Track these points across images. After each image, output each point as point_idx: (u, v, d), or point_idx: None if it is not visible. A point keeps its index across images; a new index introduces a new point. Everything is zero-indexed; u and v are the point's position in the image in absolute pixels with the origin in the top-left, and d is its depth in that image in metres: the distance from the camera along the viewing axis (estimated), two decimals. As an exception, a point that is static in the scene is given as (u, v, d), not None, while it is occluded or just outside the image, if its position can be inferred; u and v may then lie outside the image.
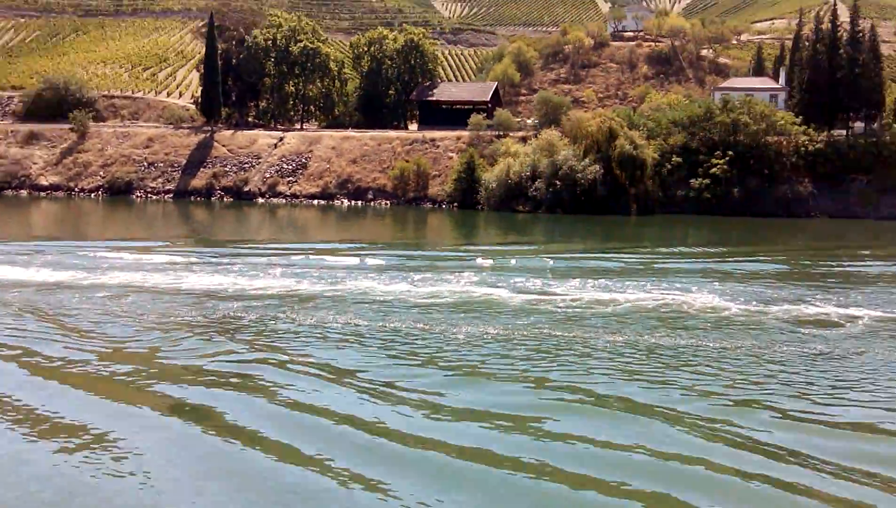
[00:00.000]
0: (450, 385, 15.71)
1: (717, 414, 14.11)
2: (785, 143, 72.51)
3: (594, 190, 66.06)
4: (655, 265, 36.37)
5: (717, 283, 29.22)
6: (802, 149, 71.93)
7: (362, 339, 19.54)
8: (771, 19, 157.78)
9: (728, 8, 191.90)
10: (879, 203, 69.64)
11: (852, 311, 23.86)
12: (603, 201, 66.20)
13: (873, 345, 19.63)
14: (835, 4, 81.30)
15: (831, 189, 70.73)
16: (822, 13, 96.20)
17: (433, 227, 62.84)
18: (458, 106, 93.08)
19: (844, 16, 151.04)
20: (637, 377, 16.56)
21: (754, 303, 24.82)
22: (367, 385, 15.63)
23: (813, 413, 14.46)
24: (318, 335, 19.95)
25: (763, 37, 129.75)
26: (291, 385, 15.63)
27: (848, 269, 36.69)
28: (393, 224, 64.21)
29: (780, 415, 14.21)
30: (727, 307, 24.20)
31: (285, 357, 17.79)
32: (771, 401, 15.02)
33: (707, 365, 17.52)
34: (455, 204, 73.65)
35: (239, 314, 22.27)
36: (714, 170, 68.26)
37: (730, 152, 69.40)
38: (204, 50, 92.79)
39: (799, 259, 41.00)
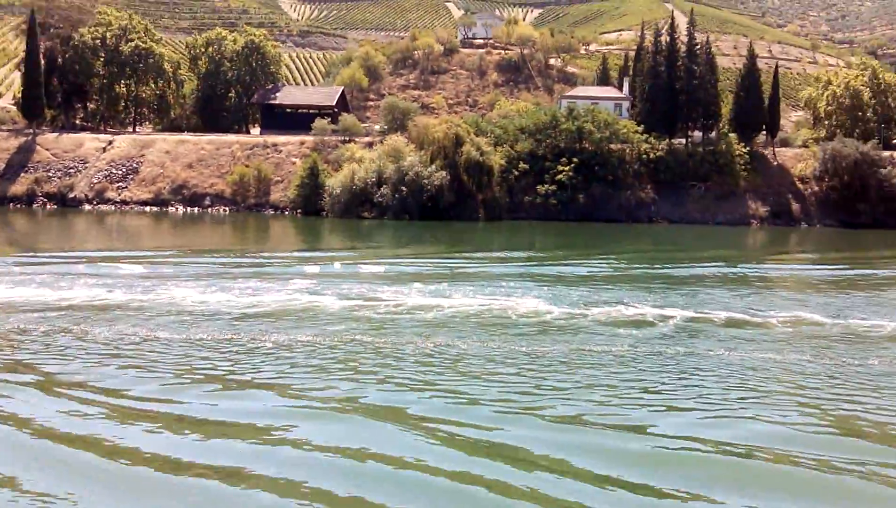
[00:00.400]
0: (214, 397, 15.10)
1: (486, 421, 13.86)
2: (628, 150, 76.91)
3: (441, 196, 67.26)
4: (490, 270, 37.30)
5: (546, 287, 30.34)
6: (644, 156, 76.63)
7: (131, 352, 18.56)
8: (619, 31, 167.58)
9: (578, 19, 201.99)
10: (717, 209, 75.26)
11: (667, 311, 25.41)
12: (450, 208, 67.54)
13: (677, 344, 20.89)
14: (673, 18, 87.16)
15: (672, 196, 75.73)
16: (660, 26, 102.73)
17: (273, 234, 61.61)
18: (302, 110, 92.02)
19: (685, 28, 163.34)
20: (423, 384, 16.31)
21: (578, 306, 25.88)
22: (97, 399, 14.75)
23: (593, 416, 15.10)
24: (92, 350, 18.65)
25: (611, 47, 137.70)
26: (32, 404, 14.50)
27: (673, 271, 39.23)
28: (231, 231, 62.36)
29: (554, 420, 14.45)
30: (550, 311, 25.07)
31: (36, 377, 16.42)
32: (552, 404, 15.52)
33: (501, 370, 17.67)
34: (298, 210, 72.74)
35: (29, 327, 20.83)
36: (560, 176, 71.37)
37: (575, 159, 72.84)
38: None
39: (631, 263, 43.36)
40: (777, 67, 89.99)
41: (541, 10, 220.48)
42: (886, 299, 30.87)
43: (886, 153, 79.95)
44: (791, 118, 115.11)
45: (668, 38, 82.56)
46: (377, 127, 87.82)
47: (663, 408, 15.24)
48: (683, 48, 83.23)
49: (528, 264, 41.44)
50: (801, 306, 27.80)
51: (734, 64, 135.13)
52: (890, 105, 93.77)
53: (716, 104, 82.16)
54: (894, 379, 17.82)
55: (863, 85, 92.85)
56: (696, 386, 16.79)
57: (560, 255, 46.74)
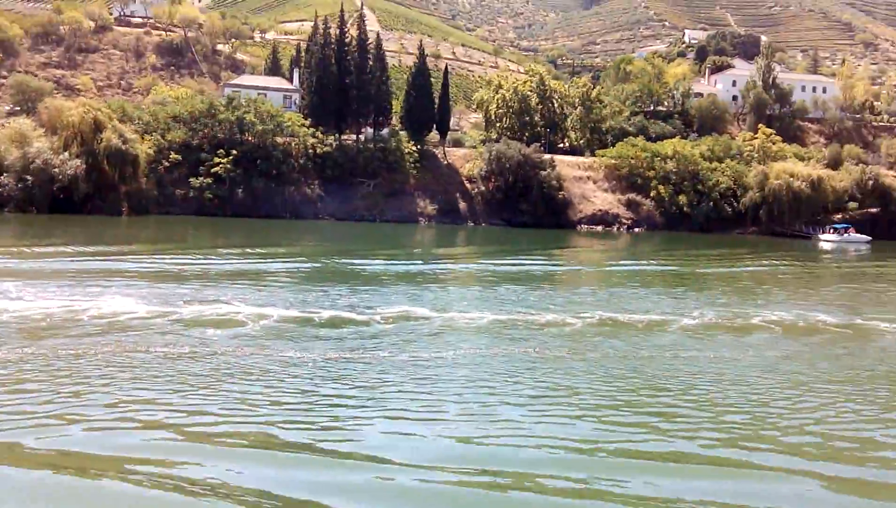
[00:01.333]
0: None
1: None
2: (294, 144, 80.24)
3: (76, 187, 65.13)
4: (114, 267, 37.92)
5: (143, 284, 32.07)
6: (311, 151, 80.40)
7: None
8: (302, 20, 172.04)
9: (261, 5, 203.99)
10: (385, 206, 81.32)
11: (265, 310, 28.38)
12: (88, 201, 65.68)
13: (268, 343, 23.86)
14: (342, 11, 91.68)
15: (340, 192, 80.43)
16: (345, 18, 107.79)
17: None
18: None
19: (374, 26, 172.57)
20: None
21: (166, 305, 27.92)
22: None
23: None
24: None
25: (290, 37, 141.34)
26: None
27: (345, 268, 42.83)
28: None
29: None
30: (134, 311, 26.67)
31: None
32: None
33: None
34: None
35: None
36: (217, 169, 72.56)
37: (234, 152, 74.43)
38: None
39: (295, 258, 46.32)
40: (447, 67, 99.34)
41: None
42: (546, 295, 37.58)
43: (549, 156, 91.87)
44: (471, 119, 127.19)
45: (337, 31, 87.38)
46: (6, 108, 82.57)
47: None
48: (355, 42, 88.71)
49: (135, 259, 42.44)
50: (475, 301, 32.97)
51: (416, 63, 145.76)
52: (556, 110, 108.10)
53: (387, 101, 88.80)
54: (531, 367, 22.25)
55: (531, 91, 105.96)
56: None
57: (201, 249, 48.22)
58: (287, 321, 26.98)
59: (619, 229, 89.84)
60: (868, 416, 19.68)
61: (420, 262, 49.40)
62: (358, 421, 16.79)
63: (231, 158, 73.80)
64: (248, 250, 48.82)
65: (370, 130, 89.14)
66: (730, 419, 18.84)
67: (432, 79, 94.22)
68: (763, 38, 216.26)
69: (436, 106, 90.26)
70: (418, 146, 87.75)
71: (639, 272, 53.05)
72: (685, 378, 22.74)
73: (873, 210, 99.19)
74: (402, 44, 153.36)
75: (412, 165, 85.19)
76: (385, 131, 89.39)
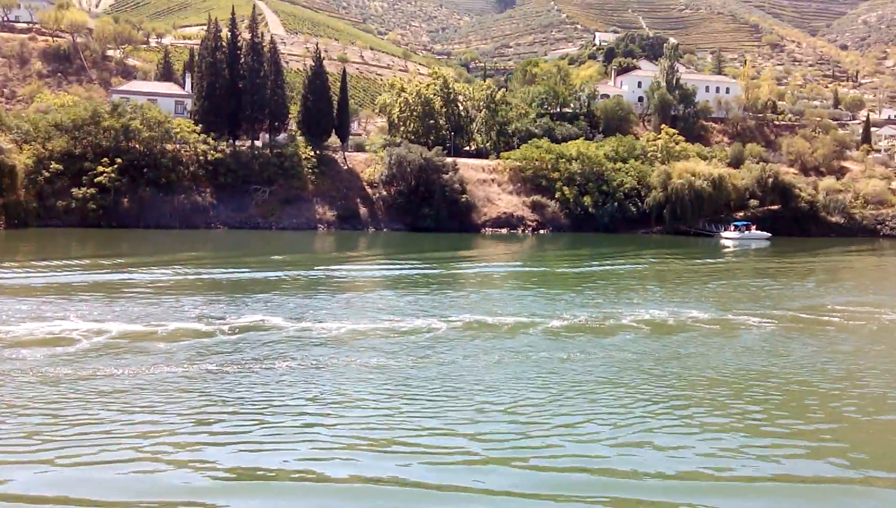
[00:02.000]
0: None
1: None
2: (184, 151, 78.83)
3: (-56, 202, 62.72)
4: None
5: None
6: (202, 158, 79.10)
7: None
8: (203, 25, 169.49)
9: (161, 10, 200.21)
10: (281, 214, 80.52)
11: (102, 325, 27.91)
12: (-42, 215, 63.24)
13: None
14: (233, 13, 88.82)
15: (233, 200, 79.30)
16: (243, 21, 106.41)
17: None
18: None
19: (277, 29, 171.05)
20: None
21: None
22: None
23: None
24: None
25: (188, 41, 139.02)
26: None
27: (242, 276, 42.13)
28: None
29: None
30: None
31: None
32: None
33: None
34: None
35: None
36: (100, 179, 70.72)
37: (119, 160, 72.70)
38: None
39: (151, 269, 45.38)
40: (345, 71, 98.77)
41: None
42: (420, 300, 37.90)
43: (451, 159, 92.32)
44: (378, 123, 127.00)
45: (228, 34, 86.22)
46: None
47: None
48: (247, 46, 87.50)
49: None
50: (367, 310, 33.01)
51: (327, 68, 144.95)
52: (461, 113, 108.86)
53: (284, 105, 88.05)
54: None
55: (434, 94, 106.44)
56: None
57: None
58: (125, 337, 26.69)
59: (524, 231, 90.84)
60: (677, 421, 20.36)
61: (289, 270, 48.90)
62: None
63: (116, 166, 72.04)
64: (103, 262, 47.87)
65: (267, 136, 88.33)
66: (535, 419, 19.55)
67: (338, 82, 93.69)
68: (671, 39, 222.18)
69: (335, 110, 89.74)
70: (317, 152, 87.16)
71: (525, 273, 53.83)
72: (518, 381, 23.29)
73: (774, 207, 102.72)
74: (307, 48, 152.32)
75: (310, 170, 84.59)
76: (282, 137, 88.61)
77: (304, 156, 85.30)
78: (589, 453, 17.44)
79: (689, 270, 60.24)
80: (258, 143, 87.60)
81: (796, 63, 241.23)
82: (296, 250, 63.71)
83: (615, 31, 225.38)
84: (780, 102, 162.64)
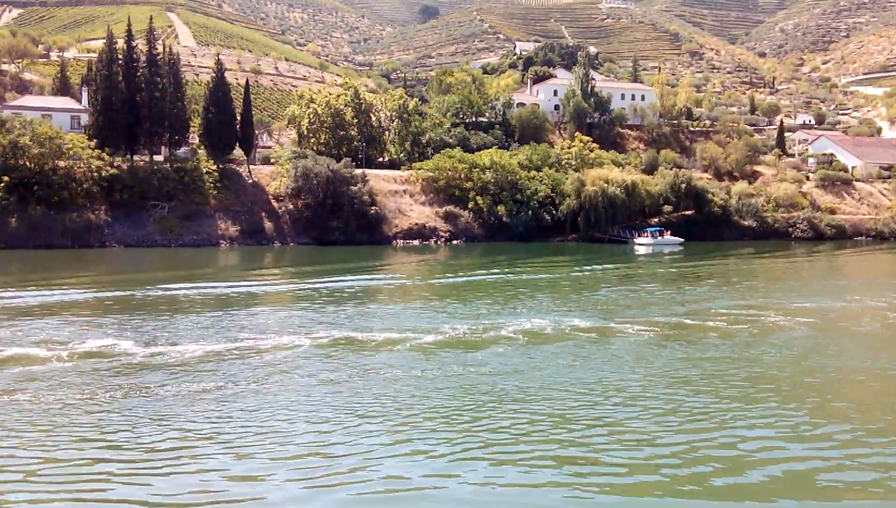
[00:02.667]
0: None
1: None
2: (77, 168, 76.73)
3: None
4: None
5: None
6: (97, 174, 77.06)
7: None
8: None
9: (67, 23, 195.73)
10: (181, 230, 78.92)
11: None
12: None
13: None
14: (129, 25, 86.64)
15: (130, 217, 77.46)
16: (159, 34, 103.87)
17: None
18: None
19: (189, 41, 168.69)
20: None
21: None
22: None
23: None
24: None
25: (91, 55, 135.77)
26: None
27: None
28: None
29: None
30: None
31: None
32: None
33: None
34: None
35: None
36: (-14, 199, 68.46)
37: (7, 178, 70.53)
38: None
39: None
40: (248, 82, 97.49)
41: (21, 11, 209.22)
42: (293, 316, 37.57)
43: (360, 171, 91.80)
44: (291, 135, 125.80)
45: (125, 46, 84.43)
46: None
47: None
48: (145, 58, 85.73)
49: None
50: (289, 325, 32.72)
51: (236, 79, 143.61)
52: (373, 125, 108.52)
53: (184, 119, 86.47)
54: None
55: (345, 104, 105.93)
56: None
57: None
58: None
59: (436, 242, 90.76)
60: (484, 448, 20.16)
61: (182, 288, 47.88)
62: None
63: (3, 185, 69.80)
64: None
65: (168, 150, 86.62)
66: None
67: (252, 95, 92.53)
68: (591, 48, 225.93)
69: (238, 122, 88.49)
70: (220, 165, 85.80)
71: (418, 286, 53.47)
72: (358, 403, 23.04)
73: (688, 212, 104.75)
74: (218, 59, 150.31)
75: (212, 185, 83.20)
76: (183, 151, 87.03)
77: (206, 170, 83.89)
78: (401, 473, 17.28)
79: (590, 277, 60.79)
80: (158, 157, 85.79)
81: (715, 70, 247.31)
82: (192, 267, 62.47)
83: (537, 41, 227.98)
84: (698, 109, 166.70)
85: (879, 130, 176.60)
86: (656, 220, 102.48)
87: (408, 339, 31.65)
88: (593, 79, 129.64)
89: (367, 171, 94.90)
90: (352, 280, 54.07)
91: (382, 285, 53.08)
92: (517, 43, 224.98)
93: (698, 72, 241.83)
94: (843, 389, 25.55)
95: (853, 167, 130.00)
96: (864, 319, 39.84)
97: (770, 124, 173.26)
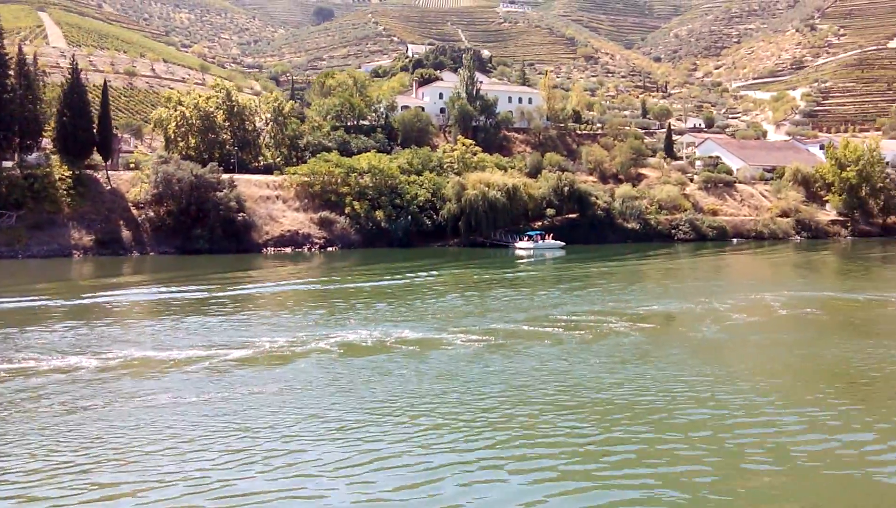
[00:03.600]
0: None
1: None
2: None
3: None
4: None
5: None
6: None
7: None
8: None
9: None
10: (29, 240, 74.91)
11: None
12: None
13: None
14: None
15: (-28, 227, 73.21)
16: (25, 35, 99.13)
17: None
18: None
19: (59, 42, 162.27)
20: None
21: None
22: None
23: None
24: None
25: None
26: None
27: None
28: None
29: None
30: None
31: None
32: None
33: None
34: None
35: None
36: None
37: None
38: None
39: None
40: (106, 84, 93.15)
41: None
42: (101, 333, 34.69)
43: (228, 176, 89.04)
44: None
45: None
46: None
47: None
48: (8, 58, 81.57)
49: None
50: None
51: (108, 81, 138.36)
52: (246, 128, 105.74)
53: (37, 122, 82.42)
54: None
55: (217, 107, 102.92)
56: None
57: None
58: None
59: (310, 249, 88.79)
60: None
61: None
62: None
63: None
64: None
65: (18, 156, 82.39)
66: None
67: (120, 98, 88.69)
68: (485, 52, 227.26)
69: (94, 126, 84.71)
70: (75, 171, 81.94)
71: (268, 295, 51.73)
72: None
73: (573, 215, 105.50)
74: (90, 61, 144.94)
75: (66, 192, 79.38)
76: (34, 156, 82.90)
77: (59, 176, 79.96)
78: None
79: (450, 282, 60.04)
80: (7, 163, 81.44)
81: (610, 75, 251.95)
82: (34, 279, 59.18)
83: (432, 44, 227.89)
84: (590, 113, 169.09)
85: (765, 134, 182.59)
86: (540, 223, 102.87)
87: (207, 358, 30.00)
88: (480, 81, 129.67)
89: (238, 176, 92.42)
90: (195, 291, 51.90)
91: (226, 297, 50.94)
92: (409, 46, 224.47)
93: (593, 76, 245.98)
94: (635, 404, 24.95)
95: (738, 169, 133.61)
96: (705, 322, 39.94)
97: (661, 128, 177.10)
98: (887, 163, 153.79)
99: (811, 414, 23.09)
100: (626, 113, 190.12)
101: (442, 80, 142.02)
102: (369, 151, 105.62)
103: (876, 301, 50.55)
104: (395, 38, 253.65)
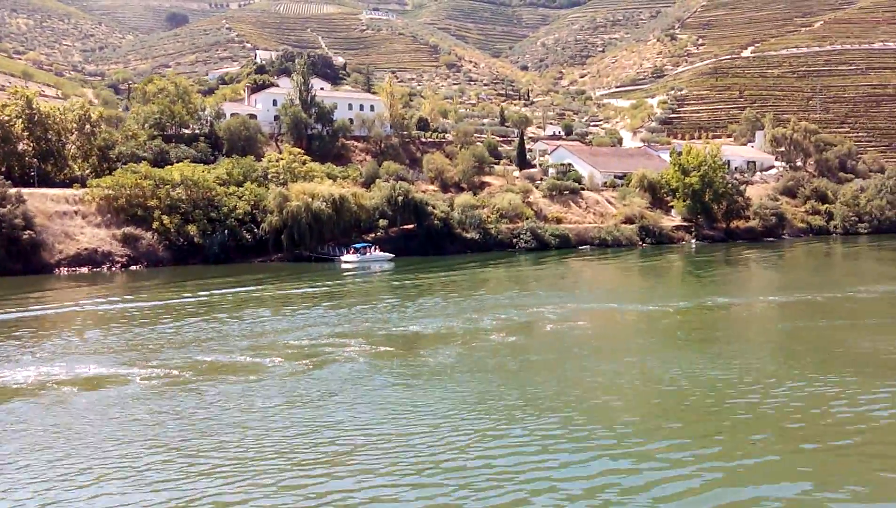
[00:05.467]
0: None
1: None
2: None
3: None
4: None
5: None
6: None
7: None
8: None
9: None
10: None
11: None
12: None
13: None
14: None
15: None
16: None
17: None
18: None
19: None
20: None
21: None
22: None
23: None
24: None
25: None
26: None
27: None
28: None
29: None
30: None
31: None
32: None
33: None
34: None
35: None
36: None
37: None
38: None
39: None
40: None
41: None
42: None
43: (15, 190, 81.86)
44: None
45: None
46: None
47: None
48: None
49: None
50: None
51: None
52: (49, 138, 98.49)
53: None
54: None
55: (16, 116, 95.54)
56: None
57: None
58: None
59: (111, 268, 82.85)
60: None
61: None
62: None
63: None
64: None
65: None
66: None
67: None
68: (340, 59, 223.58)
69: None
70: None
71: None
72: None
73: (409, 226, 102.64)
74: None
75: None
76: None
77: None
78: None
79: (243, 300, 56.20)
80: None
81: (472, 82, 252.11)
82: None
83: (287, 51, 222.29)
84: (445, 121, 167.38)
85: (620, 141, 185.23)
86: (373, 235, 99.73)
87: None
88: (317, 88, 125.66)
89: (32, 190, 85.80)
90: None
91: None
92: (258, 52, 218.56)
93: (455, 84, 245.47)
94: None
95: (586, 176, 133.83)
96: (452, 343, 37.16)
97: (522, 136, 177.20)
98: (735, 168, 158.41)
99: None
100: (486, 121, 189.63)
101: (278, 86, 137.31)
102: (193, 161, 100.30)
103: (646, 312, 49.37)
104: (248, 45, 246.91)
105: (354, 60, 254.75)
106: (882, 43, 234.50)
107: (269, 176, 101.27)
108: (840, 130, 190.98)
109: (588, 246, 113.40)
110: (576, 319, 45.59)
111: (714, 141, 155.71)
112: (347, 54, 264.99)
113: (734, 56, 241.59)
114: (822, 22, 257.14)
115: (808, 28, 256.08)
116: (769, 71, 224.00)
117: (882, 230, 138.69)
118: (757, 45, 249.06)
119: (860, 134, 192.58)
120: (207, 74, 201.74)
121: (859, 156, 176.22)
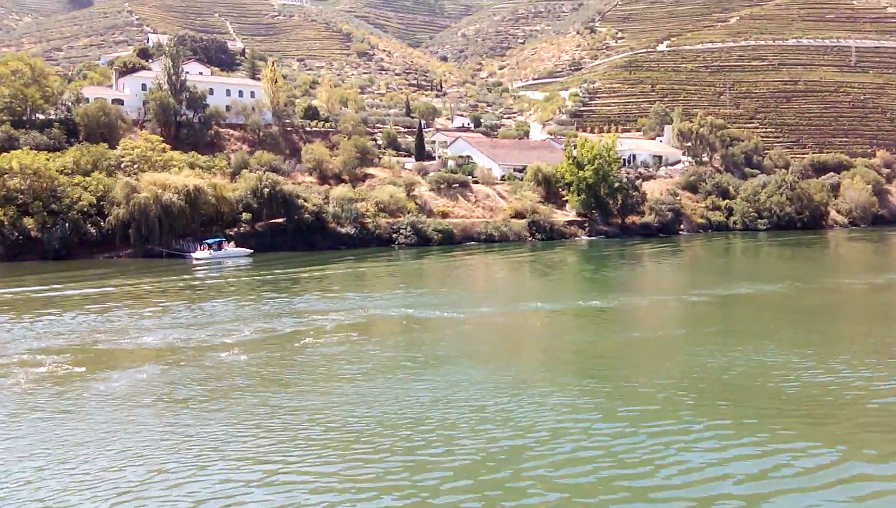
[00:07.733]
0: None
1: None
2: None
3: None
4: None
5: None
6: None
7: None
8: None
9: None
10: None
11: None
12: None
13: None
14: None
15: None
16: None
17: None
18: None
19: None
20: None
21: None
22: None
23: None
24: None
25: None
26: None
27: None
28: None
29: None
30: None
31: None
32: None
33: None
34: None
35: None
36: None
37: None
38: None
39: None
40: None
41: None
42: None
43: None
44: None
45: None
46: None
47: None
48: None
49: None
50: None
51: None
52: None
53: None
54: None
55: None
56: None
57: None
58: None
59: (-75, 267, 76.35)
60: None
61: None
62: None
63: None
64: None
65: None
66: None
67: None
68: (238, 43, 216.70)
69: None
70: None
71: None
72: None
73: (279, 220, 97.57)
74: None
75: None
76: None
77: None
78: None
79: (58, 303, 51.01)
80: None
81: (384, 72, 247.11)
82: None
83: (186, 35, 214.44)
84: (346, 110, 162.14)
85: (527, 133, 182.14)
86: (236, 230, 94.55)
87: None
88: (184, 72, 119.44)
89: None
90: None
91: None
92: (150, 36, 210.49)
93: (366, 73, 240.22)
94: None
95: (483, 169, 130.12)
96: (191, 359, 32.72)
97: (428, 127, 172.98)
98: (641, 163, 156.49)
99: None
100: (392, 111, 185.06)
101: (149, 69, 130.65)
102: (48, 149, 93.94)
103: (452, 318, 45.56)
104: (149, 29, 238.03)
105: (263, 47, 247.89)
106: (795, 39, 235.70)
107: (123, 165, 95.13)
108: (749, 125, 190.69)
109: (474, 242, 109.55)
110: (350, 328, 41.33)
111: (616, 134, 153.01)
112: (255, 41, 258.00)
113: (650, 50, 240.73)
114: (738, 17, 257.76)
115: (724, 23, 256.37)
116: (683, 65, 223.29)
117: (781, 226, 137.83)
118: (673, 39, 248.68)
119: (769, 130, 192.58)
120: (99, 59, 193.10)
121: (766, 151, 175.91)
